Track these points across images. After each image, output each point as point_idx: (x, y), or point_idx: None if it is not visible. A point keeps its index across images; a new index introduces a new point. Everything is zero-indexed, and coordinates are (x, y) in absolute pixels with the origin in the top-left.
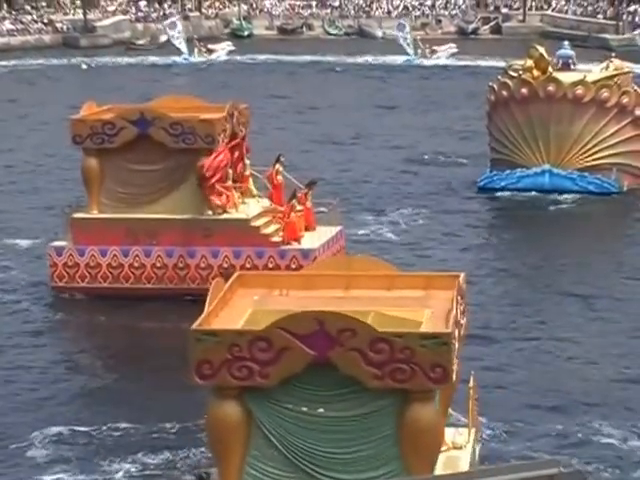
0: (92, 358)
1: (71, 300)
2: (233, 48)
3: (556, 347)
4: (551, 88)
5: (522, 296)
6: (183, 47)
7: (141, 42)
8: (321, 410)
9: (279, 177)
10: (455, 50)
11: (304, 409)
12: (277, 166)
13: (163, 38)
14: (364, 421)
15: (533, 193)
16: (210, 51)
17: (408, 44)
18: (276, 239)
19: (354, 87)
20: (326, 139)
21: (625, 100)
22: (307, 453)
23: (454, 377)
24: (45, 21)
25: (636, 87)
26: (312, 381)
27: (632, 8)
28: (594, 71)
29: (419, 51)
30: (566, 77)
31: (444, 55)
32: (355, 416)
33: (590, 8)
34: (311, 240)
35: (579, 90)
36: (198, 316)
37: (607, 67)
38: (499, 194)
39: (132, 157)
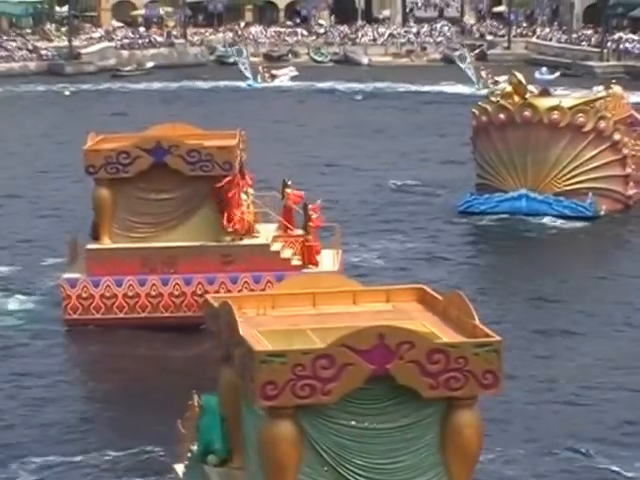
0: (86, 386)
1: (73, 330)
2: (296, 73)
3: (548, 371)
4: (527, 113)
5: (510, 318)
6: (248, 73)
7: (127, 69)
8: (367, 423)
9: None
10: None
11: (353, 423)
12: (287, 190)
13: (149, 65)
14: (411, 430)
15: (516, 216)
16: (273, 76)
17: (472, 74)
18: (296, 263)
19: (341, 113)
20: (310, 164)
21: (602, 125)
22: (357, 466)
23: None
24: (30, 48)
25: (634, 112)
26: (363, 395)
27: (616, 36)
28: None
29: (481, 80)
30: (542, 102)
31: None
32: (403, 426)
33: (574, 36)
34: (328, 263)
35: (555, 115)
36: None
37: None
38: (481, 217)
39: (146, 186)
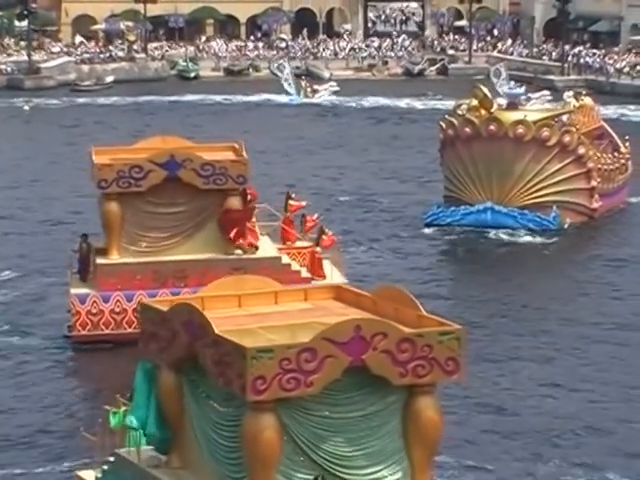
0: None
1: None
2: (337, 88)
3: (520, 384)
4: (493, 127)
5: (479, 329)
6: (291, 88)
7: (86, 83)
8: (339, 413)
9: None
10: (550, 97)
11: (327, 413)
12: (291, 202)
13: (109, 79)
14: (377, 418)
15: (482, 229)
16: (314, 91)
17: (504, 89)
18: (305, 275)
19: (308, 127)
20: (272, 178)
21: (567, 139)
22: (330, 454)
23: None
24: None
25: (604, 124)
26: (336, 386)
27: (576, 50)
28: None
29: None
30: (507, 116)
31: (539, 103)
32: (370, 414)
33: (535, 50)
34: (337, 274)
35: (520, 129)
36: None
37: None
38: (447, 230)
39: (156, 199)
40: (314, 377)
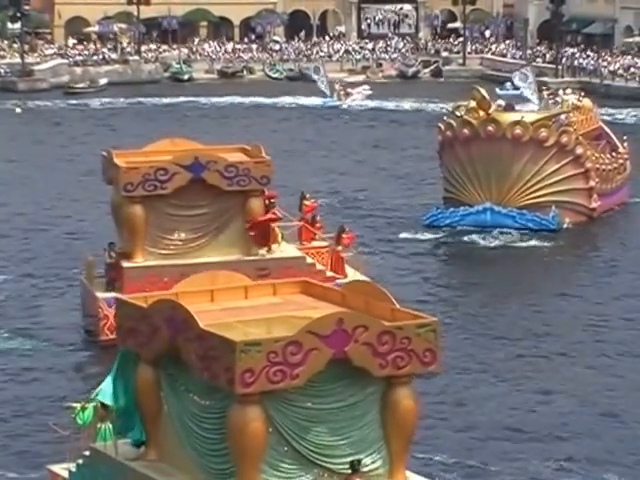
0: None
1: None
2: (370, 92)
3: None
4: (491, 128)
5: (471, 333)
6: (326, 90)
7: (80, 86)
8: (322, 403)
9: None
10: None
11: (309, 404)
12: (306, 202)
13: (102, 81)
14: (357, 408)
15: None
16: (347, 94)
17: (531, 94)
18: (329, 274)
19: (303, 129)
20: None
21: (564, 139)
22: (313, 444)
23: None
24: None
25: (602, 124)
26: (318, 377)
27: (570, 52)
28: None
29: (542, 102)
30: (505, 117)
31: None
32: (350, 404)
33: (529, 52)
34: (356, 274)
35: (517, 130)
36: None
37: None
38: (446, 231)
39: (179, 202)
40: (299, 369)
